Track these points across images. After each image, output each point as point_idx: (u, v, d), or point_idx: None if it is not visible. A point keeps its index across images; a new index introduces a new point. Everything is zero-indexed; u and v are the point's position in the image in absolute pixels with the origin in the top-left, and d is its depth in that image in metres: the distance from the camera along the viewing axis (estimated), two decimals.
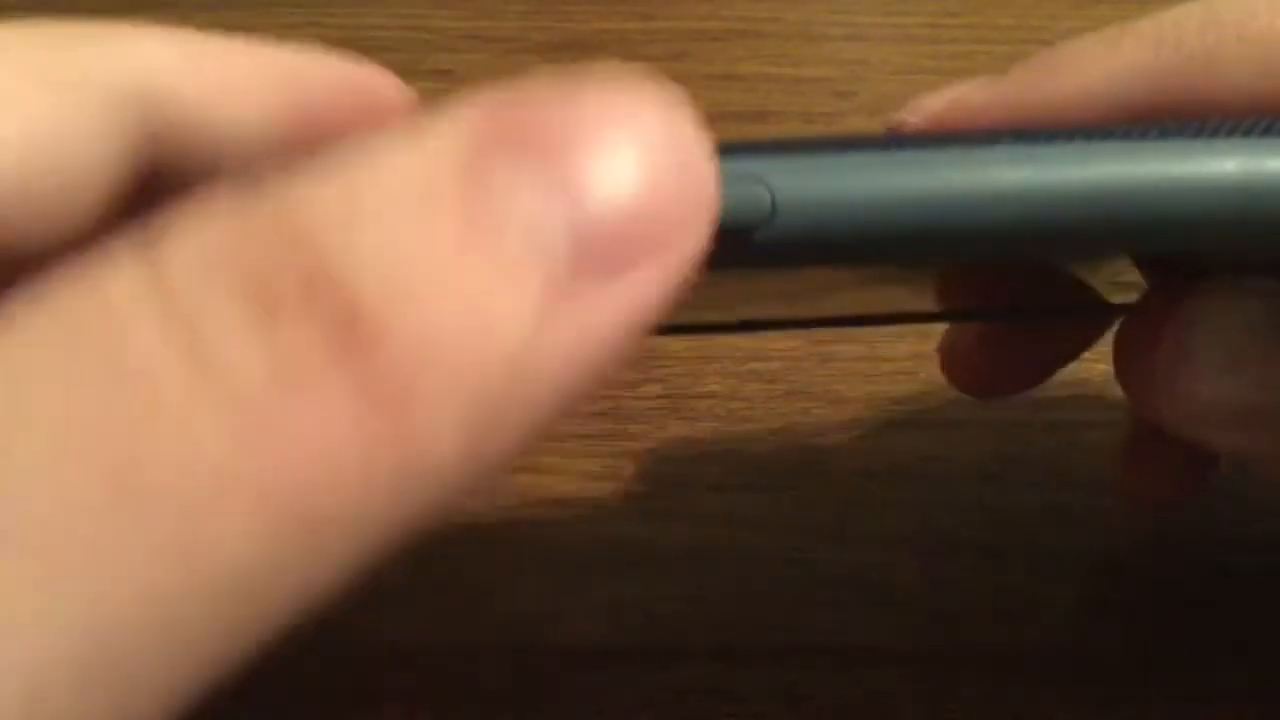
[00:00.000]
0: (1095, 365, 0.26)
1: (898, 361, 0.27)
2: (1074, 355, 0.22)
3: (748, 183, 0.11)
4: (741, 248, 0.11)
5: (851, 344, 0.27)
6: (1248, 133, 0.12)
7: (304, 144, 0.16)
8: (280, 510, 0.09)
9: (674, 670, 0.21)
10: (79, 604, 0.08)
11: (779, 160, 0.12)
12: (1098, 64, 0.16)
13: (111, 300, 0.09)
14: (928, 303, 0.20)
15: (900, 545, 0.23)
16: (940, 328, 0.24)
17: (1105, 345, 0.20)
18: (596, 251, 0.09)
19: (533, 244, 0.09)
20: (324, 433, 0.09)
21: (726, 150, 0.10)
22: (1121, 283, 0.18)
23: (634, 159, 0.10)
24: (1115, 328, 0.19)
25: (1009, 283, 0.19)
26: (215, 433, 0.09)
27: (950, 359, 0.22)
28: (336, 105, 0.16)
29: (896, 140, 0.13)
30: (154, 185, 0.15)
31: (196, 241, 0.09)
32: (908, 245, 0.12)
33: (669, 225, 0.10)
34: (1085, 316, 0.20)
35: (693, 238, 0.10)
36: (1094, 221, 0.12)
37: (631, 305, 0.10)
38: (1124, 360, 0.18)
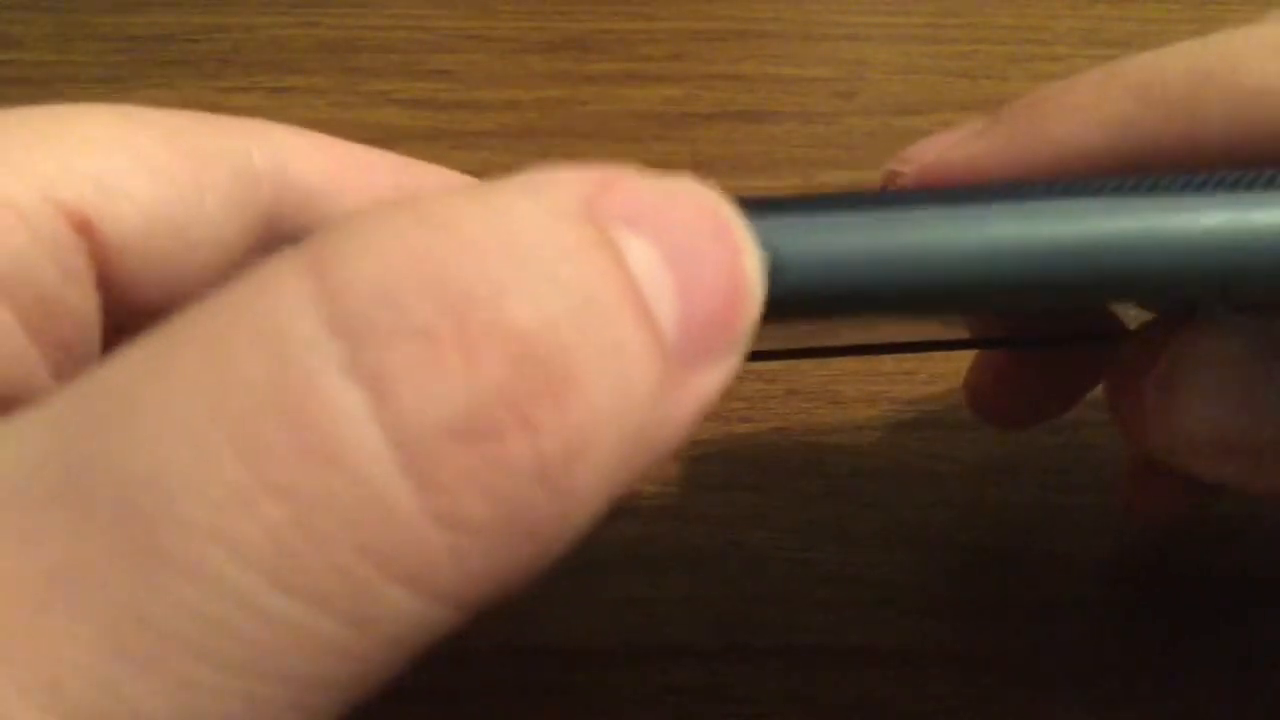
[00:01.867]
0: None
1: (898, 361, 0.27)
2: (1092, 385, 0.22)
3: None
4: None
5: None
6: (1234, 185, 0.13)
7: None
8: (430, 578, 0.09)
9: (674, 670, 0.21)
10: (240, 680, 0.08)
11: (781, 220, 0.12)
12: (1084, 113, 0.16)
13: (280, 336, 0.09)
14: (948, 331, 0.20)
15: (900, 545, 0.23)
16: None
17: None
18: (689, 345, 0.10)
19: (657, 324, 0.10)
20: (496, 498, 0.09)
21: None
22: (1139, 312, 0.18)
23: (722, 265, 0.10)
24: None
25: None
26: (394, 490, 0.09)
27: (975, 392, 0.23)
28: None
29: (896, 198, 0.13)
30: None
31: (375, 265, 0.09)
32: (909, 301, 0.12)
33: (737, 328, 0.11)
34: (1107, 342, 0.20)
35: (748, 339, 0.11)
36: (1085, 276, 0.12)
37: (704, 399, 0.10)
38: (1114, 390, 0.18)
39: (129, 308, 0.14)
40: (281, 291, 0.09)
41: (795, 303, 0.12)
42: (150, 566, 0.08)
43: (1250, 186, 0.12)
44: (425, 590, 0.09)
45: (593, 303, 0.09)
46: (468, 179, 0.18)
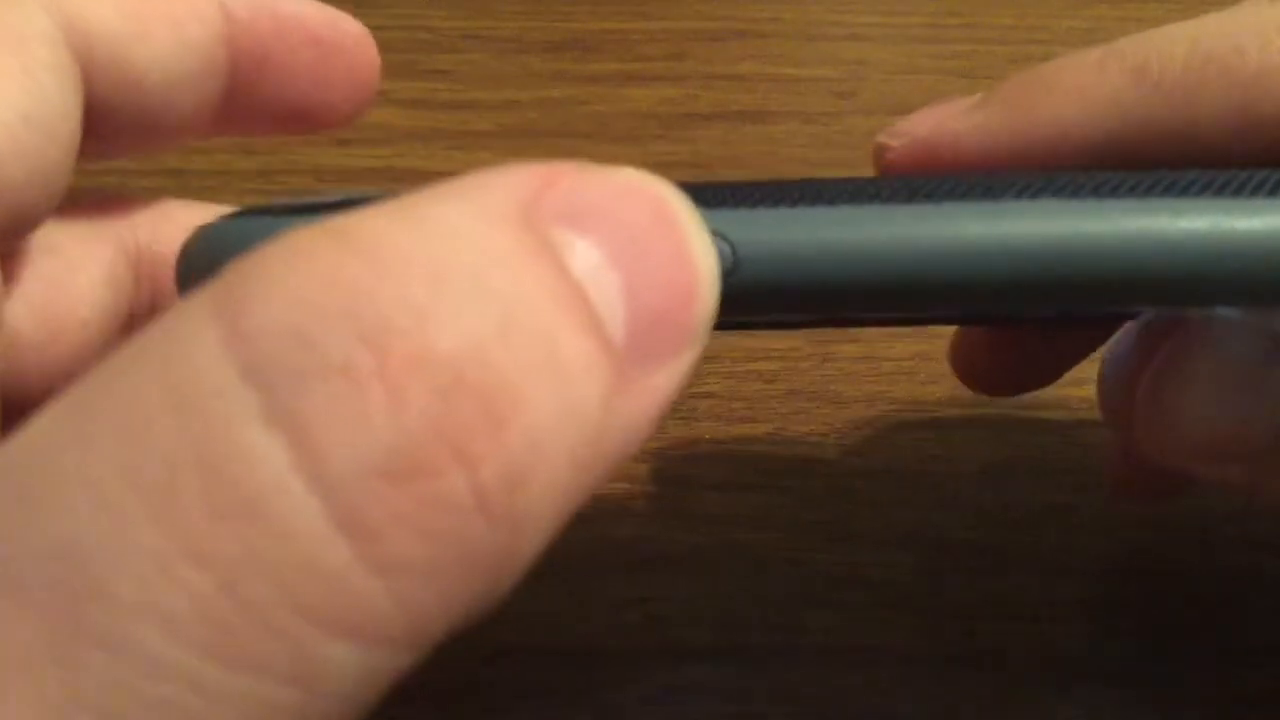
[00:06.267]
0: (1095, 365, 0.26)
1: (898, 361, 0.27)
2: (1084, 354, 0.22)
3: (710, 238, 0.11)
4: None
5: (851, 344, 0.27)
6: (1220, 190, 0.12)
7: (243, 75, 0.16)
8: (373, 626, 0.08)
9: (674, 670, 0.21)
10: None
11: (740, 214, 0.12)
12: (1081, 92, 0.16)
13: (191, 387, 0.08)
14: None
15: (900, 545, 0.23)
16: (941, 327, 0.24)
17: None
18: (642, 343, 0.10)
19: (602, 326, 0.09)
20: (433, 535, 0.08)
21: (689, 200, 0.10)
22: None
23: (671, 258, 0.10)
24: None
25: None
26: (321, 542, 0.08)
27: (961, 358, 0.22)
28: (279, 42, 0.16)
29: (860, 190, 0.12)
30: (95, 129, 0.15)
31: (286, 302, 0.08)
32: (872, 301, 0.12)
33: (694, 322, 0.10)
34: (1095, 323, 0.20)
35: (705, 333, 0.10)
36: (1057, 281, 0.12)
37: (663, 397, 0.10)
38: (1105, 388, 0.18)
39: (17, 228, 0.14)
40: (192, 339, 0.08)
41: (753, 297, 0.12)
42: (81, 647, 0.08)
43: (1237, 192, 0.12)
44: (372, 641, 0.08)
45: (527, 316, 0.09)
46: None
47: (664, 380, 0.10)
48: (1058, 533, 0.23)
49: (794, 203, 0.12)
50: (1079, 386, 0.26)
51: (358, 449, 0.08)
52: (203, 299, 0.09)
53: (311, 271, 0.08)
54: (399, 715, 0.21)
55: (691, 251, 0.10)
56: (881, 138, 0.18)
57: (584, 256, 0.09)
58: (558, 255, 0.09)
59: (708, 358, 0.27)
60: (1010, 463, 0.25)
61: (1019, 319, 0.20)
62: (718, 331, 0.11)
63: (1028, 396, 0.26)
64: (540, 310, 0.09)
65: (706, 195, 0.11)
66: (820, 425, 0.26)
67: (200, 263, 0.13)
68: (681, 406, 0.26)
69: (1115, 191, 0.12)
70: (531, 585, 0.24)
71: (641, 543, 0.23)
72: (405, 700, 0.21)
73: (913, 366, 0.27)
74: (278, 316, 0.08)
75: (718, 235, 0.11)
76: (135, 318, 0.17)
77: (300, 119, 0.17)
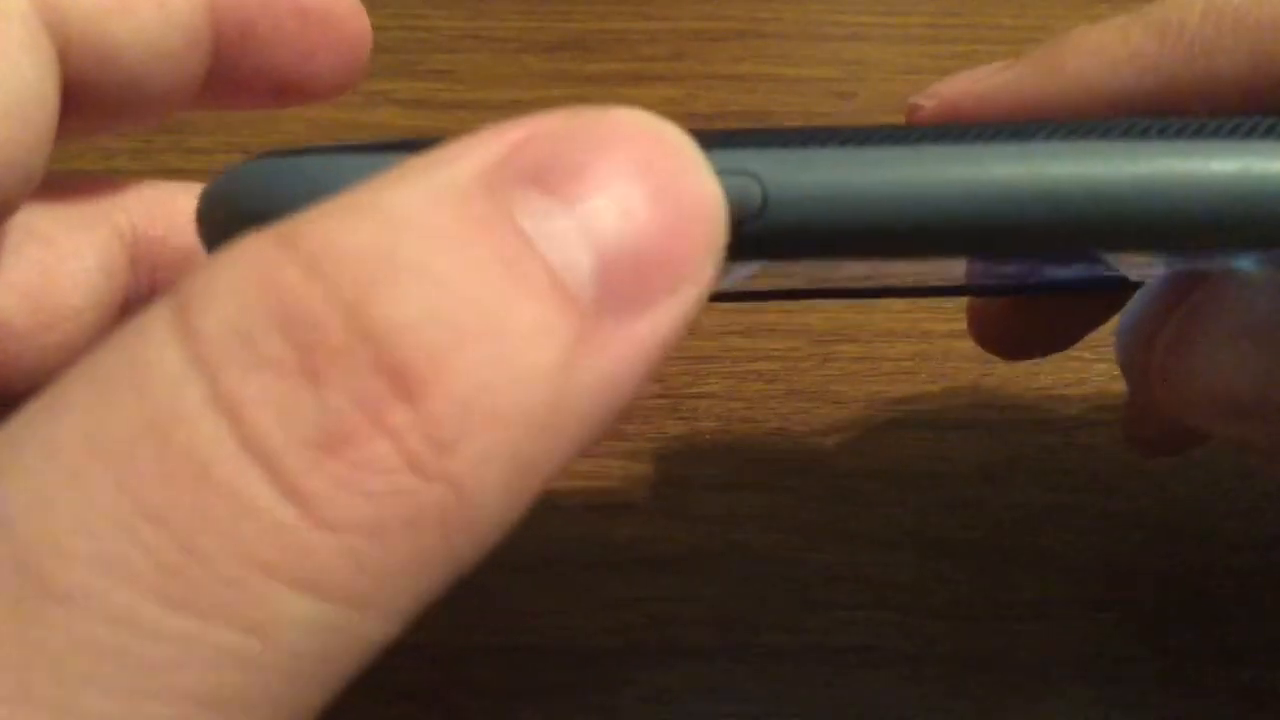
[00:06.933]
0: (1095, 365, 0.26)
1: (898, 361, 0.27)
2: (1101, 320, 0.22)
3: (738, 176, 0.11)
4: (731, 241, 0.11)
5: (851, 344, 0.27)
6: (1249, 133, 0.12)
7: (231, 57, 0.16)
8: (327, 580, 0.09)
9: (674, 670, 0.21)
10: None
11: (769, 153, 0.12)
12: (1106, 52, 0.16)
13: (149, 374, 0.09)
14: (947, 278, 0.20)
15: (900, 545, 0.23)
16: (937, 324, 0.24)
17: (1106, 343, 0.20)
18: (620, 290, 0.10)
19: (562, 285, 0.09)
20: (371, 495, 0.09)
21: (716, 142, 0.10)
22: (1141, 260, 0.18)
23: (649, 197, 0.10)
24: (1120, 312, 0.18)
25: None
26: (267, 502, 0.09)
27: (978, 321, 0.22)
28: (264, 12, 0.16)
29: (891, 133, 0.12)
30: (75, 106, 0.15)
31: (230, 305, 0.09)
32: (900, 240, 0.12)
33: (687, 260, 0.10)
34: (1108, 292, 0.20)
35: (708, 269, 0.10)
36: (1084, 221, 0.12)
37: (654, 340, 0.10)
38: (1125, 343, 0.18)
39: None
40: (152, 333, 0.09)
41: (782, 239, 0.12)
42: (40, 603, 0.08)
43: (1266, 134, 0.12)
44: (327, 593, 0.09)
45: (466, 290, 0.09)
46: None
47: (651, 325, 0.10)
48: (1058, 533, 0.23)
49: (823, 144, 0.12)
50: (1079, 386, 0.26)
51: (289, 426, 0.09)
52: (166, 300, 0.09)
53: (253, 277, 0.09)
54: (398, 714, 0.21)
55: (679, 187, 0.10)
56: (913, 99, 0.18)
57: (543, 214, 0.09)
58: (513, 219, 0.09)
59: (708, 358, 0.27)
60: (1010, 463, 0.25)
61: (1042, 287, 0.20)
62: (734, 304, 0.10)
63: (1028, 396, 0.26)
64: (482, 282, 0.09)
65: (733, 138, 0.11)
66: (820, 425, 0.26)
67: (218, 208, 0.13)
68: (682, 406, 0.26)
69: (1146, 134, 0.12)
70: (531, 585, 0.24)
71: (641, 542, 0.23)
72: (404, 699, 0.21)
73: (913, 366, 0.27)
74: (222, 318, 0.09)
75: (746, 174, 0.11)
76: (133, 303, 0.17)
77: (287, 91, 0.17)
